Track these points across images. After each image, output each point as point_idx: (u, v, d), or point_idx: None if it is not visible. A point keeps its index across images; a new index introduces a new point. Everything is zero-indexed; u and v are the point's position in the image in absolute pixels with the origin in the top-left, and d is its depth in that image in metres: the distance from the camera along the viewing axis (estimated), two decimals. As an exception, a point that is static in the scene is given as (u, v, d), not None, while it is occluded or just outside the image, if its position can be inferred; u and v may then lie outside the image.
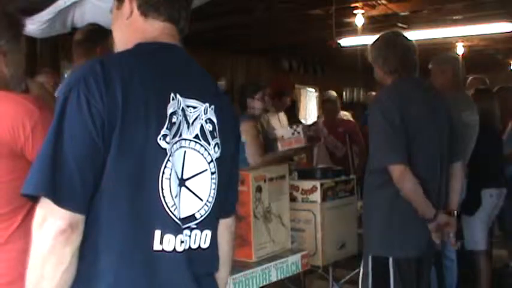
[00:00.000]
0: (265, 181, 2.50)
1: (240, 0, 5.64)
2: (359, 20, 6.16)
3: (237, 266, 2.38)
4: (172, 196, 1.27)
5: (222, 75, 9.26)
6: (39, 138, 1.65)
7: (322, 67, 11.32)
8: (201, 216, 1.35)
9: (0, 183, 1.67)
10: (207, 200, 1.36)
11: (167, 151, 1.26)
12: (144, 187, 1.24)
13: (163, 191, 1.26)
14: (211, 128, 1.37)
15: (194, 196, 1.33)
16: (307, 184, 2.87)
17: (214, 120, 1.38)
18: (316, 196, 2.84)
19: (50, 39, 4.75)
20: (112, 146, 1.20)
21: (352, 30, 6.66)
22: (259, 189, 2.47)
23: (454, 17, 6.62)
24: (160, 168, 1.25)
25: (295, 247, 2.74)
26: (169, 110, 1.28)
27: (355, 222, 3.10)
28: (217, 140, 1.38)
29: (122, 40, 1.41)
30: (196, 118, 1.34)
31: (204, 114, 1.37)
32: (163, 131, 1.25)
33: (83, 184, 1.17)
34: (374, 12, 6.18)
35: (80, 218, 1.17)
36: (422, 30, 6.58)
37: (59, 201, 1.15)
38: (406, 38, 2.65)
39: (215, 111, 1.39)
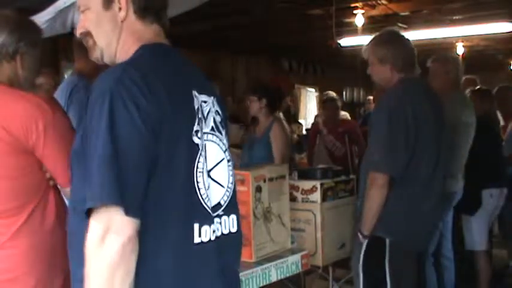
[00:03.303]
0: (265, 181, 2.50)
1: (240, 1, 5.64)
2: (359, 20, 6.17)
3: (237, 266, 2.38)
4: (205, 188, 1.33)
5: (222, 75, 9.27)
6: (51, 137, 1.70)
7: (322, 67, 11.34)
8: (225, 202, 1.42)
9: (8, 178, 1.70)
10: (228, 186, 1.43)
11: (199, 146, 1.32)
12: (184, 184, 1.28)
13: (199, 184, 1.31)
14: (220, 120, 1.44)
15: (217, 184, 1.40)
16: (307, 184, 2.87)
17: (220, 111, 1.46)
18: (316, 196, 2.84)
19: (50, 39, 4.75)
20: (162, 148, 1.22)
21: (352, 30, 6.66)
22: (259, 189, 2.47)
23: (454, 17, 6.62)
24: (195, 163, 1.30)
25: (295, 247, 2.74)
26: (196, 106, 1.34)
27: (355, 222, 3.10)
28: (226, 129, 1.47)
29: (114, 43, 1.40)
30: (209, 112, 1.40)
31: (213, 107, 1.43)
32: (195, 127, 1.31)
33: (143, 191, 1.20)
34: (374, 12, 6.19)
35: (139, 224, 1.19)
36: (422, 30, 6.58)
37: (127, 209, 1.15)
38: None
39: (218, 103, 1.46)
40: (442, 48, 6.96)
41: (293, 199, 2.83)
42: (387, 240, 2.44)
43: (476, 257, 3.82)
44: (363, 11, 6.11)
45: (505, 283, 4.45)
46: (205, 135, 1.37)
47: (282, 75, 10.18)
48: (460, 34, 7.38)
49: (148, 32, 1.40)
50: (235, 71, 9.71)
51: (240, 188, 2.43)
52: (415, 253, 2.54)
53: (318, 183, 2.84)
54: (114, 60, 1.41)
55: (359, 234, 2.53)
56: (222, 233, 1.40)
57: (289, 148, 4.41)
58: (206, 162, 1.35)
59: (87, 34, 1.41)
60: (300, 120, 9.84)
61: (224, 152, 1.43)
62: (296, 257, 2.60)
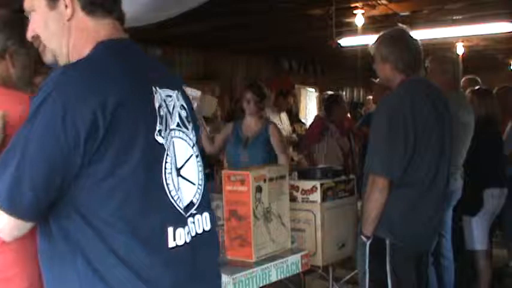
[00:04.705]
0: (265, 181, 2.50)
1: (240, 1, 5.64)
2: (359, 20, 6.17)
3: (237, 266, 2.38)
4: (175, 189, 1.28)
5: (222, 75, 9.27)
6: None
7: (322, 67, 11.34)
8: (197, 200, 1.37)
9: None
10: (198, 183, 1.38)
11: (164, 146, 1.26)
12: (152, 187, 1.23)
13: (169, 186, 1.26)
14: (185, 114, 1.38)
15: (189, 183, 1.35)
16: (307, 184, 2.87)
17: (185, 105, 1.40)
18: (316, 196, 2.84)
19: (50, 39, 4.74)
20: (107, 153, 1.16)
21: (352, 30, 6.67)
22: (259, 189, 2.46)
23: (454, 17, 6.62)
24: (162, 164, 1.25)
25: (295, 247, 2.74)
26: (156, 104, 1.27)
27: (355, 222, 3.10)
28: (192, 124, 1.41)
29: (64, 44, 1.32)
30: (174, 107, 1.34)
31: (177, 101, 1.37)
32: (158, 126, 1.25)
33: (43, 199, 1.17)
34: (374, 12, 6.19)
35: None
36: (422, 30, 6.58)
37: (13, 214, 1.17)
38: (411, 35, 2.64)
39: (182, 97, 1.40)
40: (442, 48, 6.95)
41: (293, 199, 2.83)
42: (387, 241, 2.44)
43: (476, 256, 3.82)
44: (363, 11, 6.11)
45: (505, 283, 4.45)
46: (172, 132, 1.31)
47: (282, 75, 10.18)
48: (460, 34, 7.38)
49: (102, 28, 1.31)
50: (235, 71, 9.71)
51: (240, 188, 2.43)
52: (415, 254, 2.54)
53: (318, 183, 2.84)
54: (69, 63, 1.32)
55: (361, 235, 2.53)
56: (196, 233, 1.35)
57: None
58: (175, 161, 1.30)
59: (37, 38, 1.34)
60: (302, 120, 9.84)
61: (192, 147, 1.38)
62: (296, 257, 2.60)
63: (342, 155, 5.36)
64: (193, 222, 1.34)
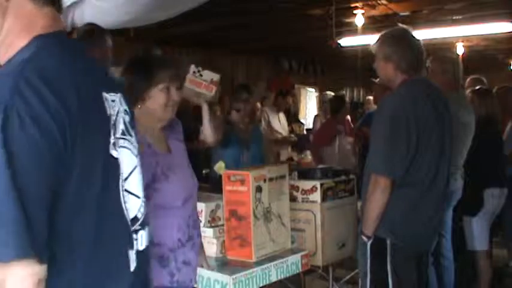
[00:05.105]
0: (265, 181, 2.50)
1: (240, 1, 5.65)
2: (359, 20, 6.17)
3: (237, 266, 2.38)
4: (126, 206, 1.16)
5: (222, 75, 9.25)
6: None
7: (322, 67, 11.34)
8: (142, 214, 1.22)
9: None
10: (142, 196, 1.24)
11: (118, 160, 1.13)
12: (113, 207, 1.11)
13: (126, 204, 1.15)
14: (128, 119, 1.22)
15: (134, 196, 1.20)
16: (307, 184, 2.87)
17: (128, 109, 1.24)
18: (316, 196, 2.84)
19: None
20: (77, 170, 1.01)
21: (352, 30, 6.67)
22: (259, 189, 2.47)
23: (454, 17, 6.62)
24: (119, 181, 1.13)
25: (295, 247, 2.74)
26: (108, 112, 1.13)
27: (355, 222, 3.10)
28: (134, 129, 1.25)
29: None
30: (118, 112, 1.18)
31: (121, 105, 1.20)
32: (112, 139, 1.12)
33: (45, 228, 0.97)
34: (374, 12, 6.19)
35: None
36: (422, 30, 6.57)
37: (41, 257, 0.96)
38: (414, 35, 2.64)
39: (125, 100, 1.23)
40: (442, 49, 6.95)
41: (293, 199, 2.83)
42: (388, 241, 2.44)
43: (476, 256, 3.82)
44: (363, 11, 6.11)
45: (505, 283, 4.45)
46: (119, 141, 1.15)
47: (282, 75, 10.18)
48: (460, 34, 7.37)
49: (42, 17, 1.09)
50: (235, 71, 9.70)
51: (240, 188, 2.43)
52: (416, 254, 2.54)
53: (318, 183, 2.84)
54: None
55: (362, 235, 2.53)
56: (138, 250, 1.20)
57: None
58: (123, 174, 1.16)
59: None
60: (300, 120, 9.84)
61: (136, 156, 1.23)
62: (296, 257, 2.60)
63: (353, 155, 5.48)
64: (137, 240, 1.20)
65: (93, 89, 1.10)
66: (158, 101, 1.96)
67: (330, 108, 5.89)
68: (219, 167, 2.72)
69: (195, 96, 3.17)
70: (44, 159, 0.95)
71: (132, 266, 1.16)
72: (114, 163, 1.12)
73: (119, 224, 1.13)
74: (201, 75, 3.14)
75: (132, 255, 1.17)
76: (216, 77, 3.21)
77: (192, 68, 3.13)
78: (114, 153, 1.12)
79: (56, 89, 0.99)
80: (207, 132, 3.33)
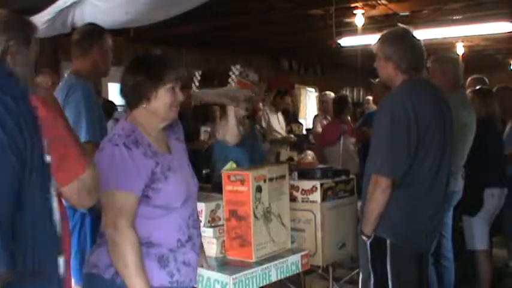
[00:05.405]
0: (265, 181, 2.50)
1: (240, 1, 5.65)
2: (359, 20, 6.17)
3: (237, 266, 2.38)
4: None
5: (222, 75, 9.25)
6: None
7: (322, 67, 11.34)
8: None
9: None
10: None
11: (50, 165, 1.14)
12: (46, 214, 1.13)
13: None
14: None
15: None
16: (307, 184, 2.87)
17: None
18: (316, 196, 2.84)
19: (50, 39, 4.75)
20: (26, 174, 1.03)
21: (352, 30, 6.67)
22: (259, 189, 2.46)
23: (454, 17, 6.63)
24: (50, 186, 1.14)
25: (295, 247, 2.74)
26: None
27: (355, 222, 3.10)
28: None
29: None
30: None
31: None
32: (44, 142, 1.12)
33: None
34: (374, 12, 6.20)
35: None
36: (422, 30, 6.58)
37: None
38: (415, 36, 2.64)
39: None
40: (442, 49, 6.95)
41: (293, 199, 2.83)
42: (388, 241, 2.44)
43: (476, 256, 3.82)
44: (363, 11, 6.11)
45: (505, 283, 4.45)
46: None
47: (282, 75, 10.18)
48: (460, 34, 7.38)
49: None
50: (235, 71, 9.70)
51: (240, 188, 2.43)
52: (416, 254, 2.54)
53: (318, 183, 2.84)
54: None
55: (361, 234, 2.53)
56: None
57: None
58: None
59: None
60: (299, 120, 9.84)
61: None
62: (296, 257, 2.60)
63: (357, 155, 5.50)
64: None
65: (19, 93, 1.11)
66: (164, 100, 1.96)
67: (333, 109, 5.92)
68: (231, 167, 2.72)
69: (225, 97, 3.17)
70: (11, 165, 0.98)
71: (62, 271, 1.16)
72: (47, 168, 1.13)
73: (51, 229, 1.15)
74: (247, 76, 3.15)
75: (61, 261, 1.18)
76: (257, 78, 3.24)
77: (238, 68, 3.13)
78: (47, 158, 1.13)
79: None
80: (233, 133, 3.29)
